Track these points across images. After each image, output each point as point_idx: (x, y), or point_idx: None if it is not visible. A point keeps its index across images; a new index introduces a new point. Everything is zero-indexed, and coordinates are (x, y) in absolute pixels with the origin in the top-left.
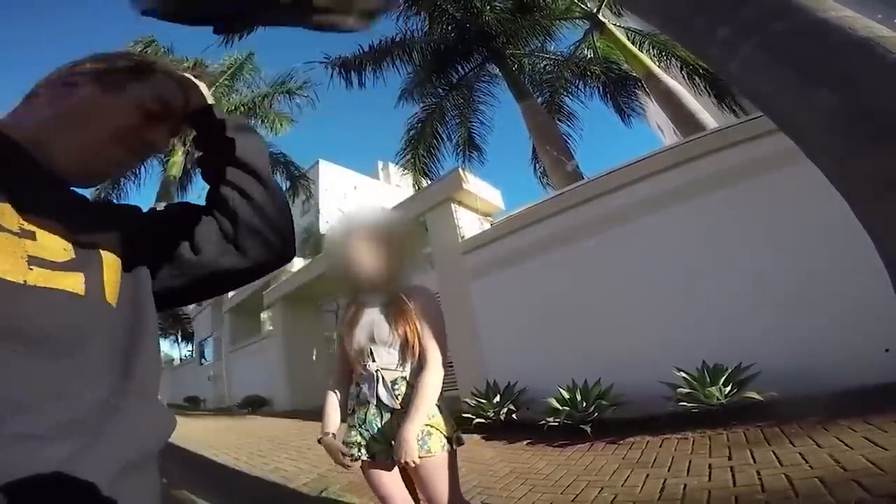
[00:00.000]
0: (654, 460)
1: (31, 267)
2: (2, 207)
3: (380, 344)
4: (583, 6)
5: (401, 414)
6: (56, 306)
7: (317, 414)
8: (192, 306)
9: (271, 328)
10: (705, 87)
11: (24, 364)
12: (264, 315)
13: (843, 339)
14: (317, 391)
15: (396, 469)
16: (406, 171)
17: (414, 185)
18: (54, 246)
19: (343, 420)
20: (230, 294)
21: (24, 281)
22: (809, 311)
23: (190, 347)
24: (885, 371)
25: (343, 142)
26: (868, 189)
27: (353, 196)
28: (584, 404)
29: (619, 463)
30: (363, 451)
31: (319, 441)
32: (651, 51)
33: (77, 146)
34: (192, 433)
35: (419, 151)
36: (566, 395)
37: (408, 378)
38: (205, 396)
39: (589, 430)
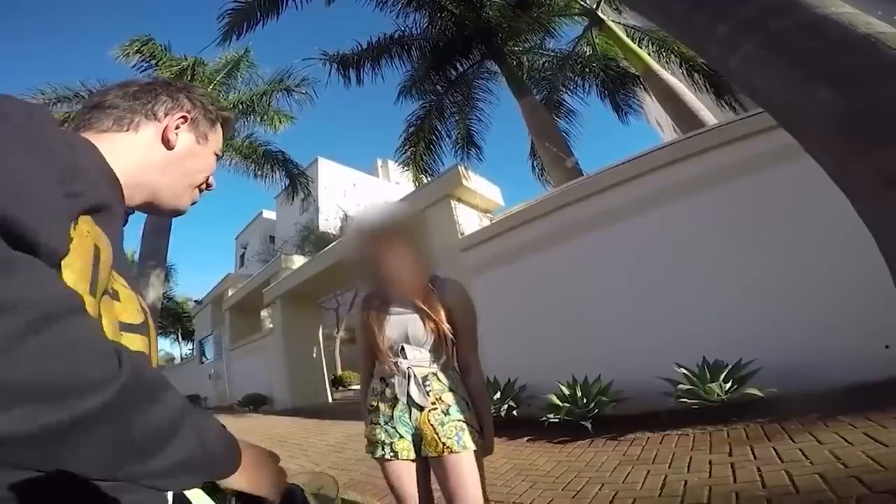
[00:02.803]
0: (655, 457)
1: (122, 333)
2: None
3: (412, 341)
4: (582, 3)
5: (432, 411)
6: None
7: (316, 411)
8: (192, 304)
9: (271, 326)
10: (705, 84)
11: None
12: (264, 313)
13: (843, 336)
14: (317, 389)
15: (415, 469)
16: (405, 169)
17: (413, 181)
18: (131, 306)
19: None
20: (230, 292)
21: None
22: (809, 307)
23: (190, 346)
24: (885, 367)
25: (342, 139)
26: (868, 185)
27: (352, 193)
28: (585, 400)
29: (619, 459)
30: (387, 449)
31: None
32: (650, 47)
33: (179, 191)
34: None
35: (418, 148)
36: (566, 392)
37: (437, 374)
38: (205, 395)
39: (589, 426)
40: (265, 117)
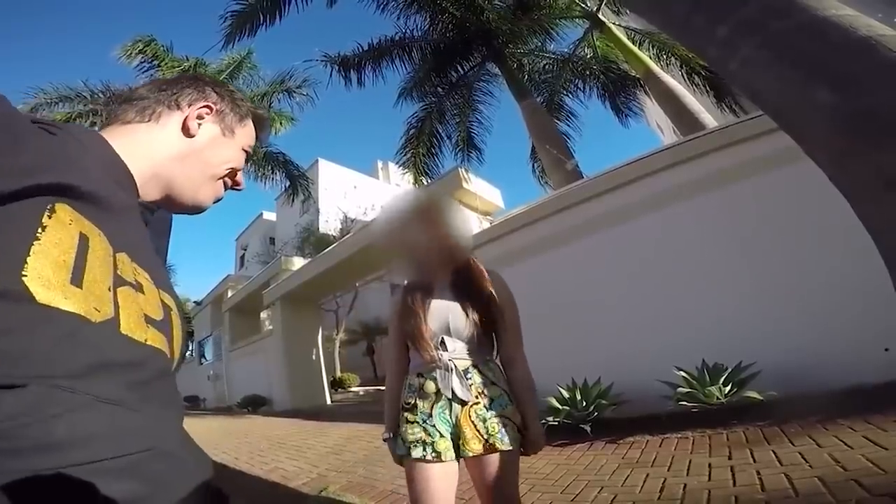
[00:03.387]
0: (654, 460)
1: (148, 326)
2: (121, 256)
3: (453, 332)
4: (583, 5)
5: (474, 406)
6: (161, 366)
7: (315, 413)
8: (191, 305)
9: (271, 328)
10: (705, 86)
11: (126, 420)
12: (264, 314)
13: (842, 339)
14: (316, 391)
15: (454, 470)
16: (406, 171)
17: (414, 183)
18: (154, 301)
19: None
20: (230, 293)
21: (146, 340)
22: (809, 310)
23: (190, 347)
24: (884, 370)
25: (342, 141)
26: (868, 188)
27: (352, 195)
28: (584, 403)
29: (618, 462)
30: (428, 449)
31: (385, 440)
32: (651, 50)
33: (199, 182)
34: (191, 433)
35: (419, 150)
36: (566, 395)
37: (479, 366)
38: (204, 396)
39: (589, 429)
40: None
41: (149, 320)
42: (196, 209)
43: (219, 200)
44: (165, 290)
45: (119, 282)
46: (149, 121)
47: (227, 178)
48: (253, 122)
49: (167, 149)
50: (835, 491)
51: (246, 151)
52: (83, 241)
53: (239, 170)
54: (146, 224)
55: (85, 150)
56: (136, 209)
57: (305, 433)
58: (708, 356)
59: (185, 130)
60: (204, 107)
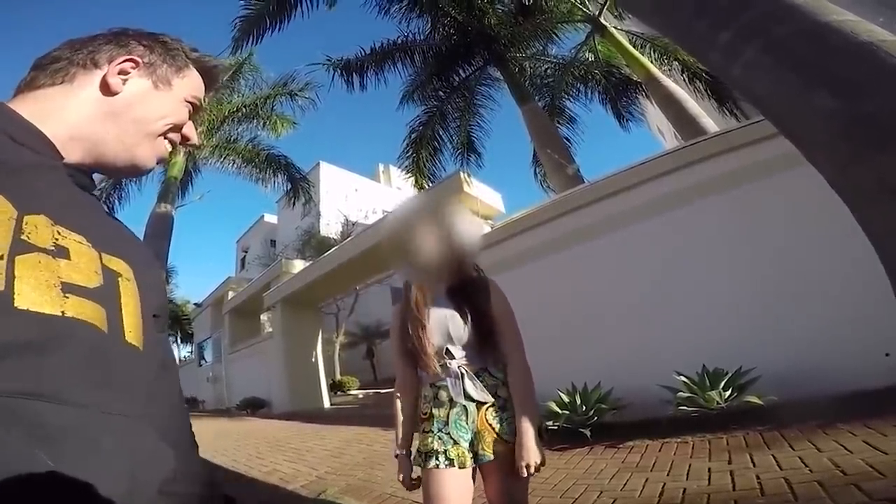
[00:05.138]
0: (654, 464)
1: (67, 295)
2: (35, 219)
3: (455, 340)
4: (584, 9)
5: (489, 409)
6: (90, 342)
7: (315, 416)
8: (191, 307)
9: (271, 330)
10: (706, 91)
11: (55, 416)
12: (264, 317)
13: (842, 344)
14: (315, 394)
15: (469, 477)
16: (407, 174)
17: (415, 187)
18: (88, 267)
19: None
20: (230, 295)
21: (63, 312)
22: (809, 315)
23: (189, 349)
24: (884, 375)
25: (344, 144)
26: (868, 193)
27: (353, 198)
28: (584, 408)
29: (618, 467)
30: (441, 458)
31: (396, 456)
32: (652, 54)
33: (131, 142)
34: None
35: (420, 154)
36: (566, 399)
37: (488, 369)
38: (204, 398)
39: (588, 433)
40: (268, 122)
41: (70, 288)
42: (135, 171)
43: (162, 160)
44: (116, 254)
45: (21, 248)
46: (61, 83)
47: (171, 135)
48: (199, 71)
49: (84, 110)
50: (834, 495)
51: (190, 103)
52: None
53: (183, 123)
54: (85, 189)
55: None
56: (57, 169)
57: (304, 436)
58: (708, 361)
59: (105, 88)
60: (126, 61)
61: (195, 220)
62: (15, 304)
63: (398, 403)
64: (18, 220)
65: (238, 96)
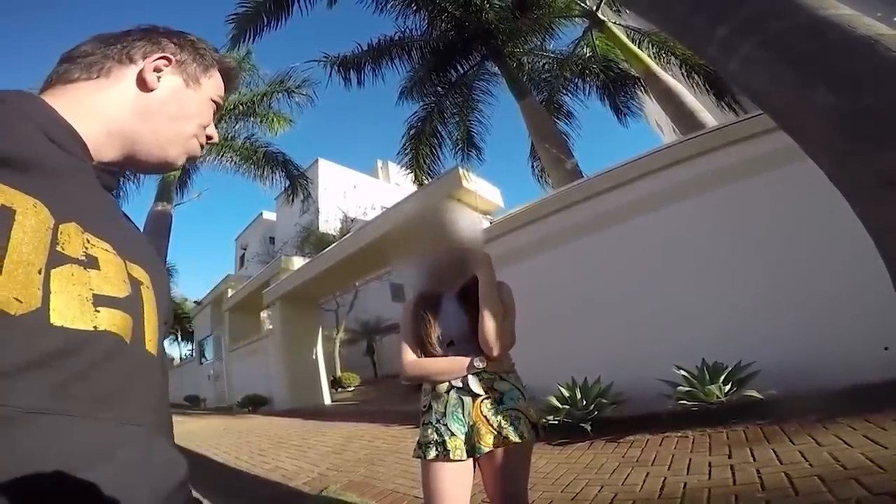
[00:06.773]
0: (654, 458)
1: (98, 309)
2: (68, 228)
3: (462, 337)
4: (582, 4)
5: (485, 401)
6: (117, 355)
7: (315, 413)
8: (191, 305)
9: (271, 327)
10: (705, 85)
11: (80, 429)
12: (264, 314)
13: (842, 338)
14: (316, 391)
15: (468, 470)
16: (406, 170)
17: (414, 183)
18: (117, 276)
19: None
20: (230, 293)
21: (95, 328)
22: (809, 309)
23: (190, 347)
24: (884, 369)
25: (342, 140)
26: (867, 187)
27: (352, 195)
28: (584, 402)
29: (619, 461)
30: (439, 449)
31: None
32: (650, 49)
33: (165, 139)
34: (192, 432)
35: (419, 150)
36: (566, 393)
37: (489, 364)
38: (205, 395)
39: (589, 428)
40: (265, 119)
41: (102, 301)
42: (165, 168)
43: (194, 159)
44: (137, 262)
45: (58, 260)
46: (97, 77)
47: (202, 136)
48: (220, 72)
49: (123, 105)
50: (834, 489)
51: (215, 102)
52: (4, 214)
53: (209, 123)
54: (108, 190)
55: (10, 111)
56: (87, 172)
57: (306, 432)
58: (708, 355)
59: (142, 84)
60: (161, 58)
61: (194, 218)
62: (51, 321)
63: (421, 359)
64: (54, 231)
65: (235, 94)
